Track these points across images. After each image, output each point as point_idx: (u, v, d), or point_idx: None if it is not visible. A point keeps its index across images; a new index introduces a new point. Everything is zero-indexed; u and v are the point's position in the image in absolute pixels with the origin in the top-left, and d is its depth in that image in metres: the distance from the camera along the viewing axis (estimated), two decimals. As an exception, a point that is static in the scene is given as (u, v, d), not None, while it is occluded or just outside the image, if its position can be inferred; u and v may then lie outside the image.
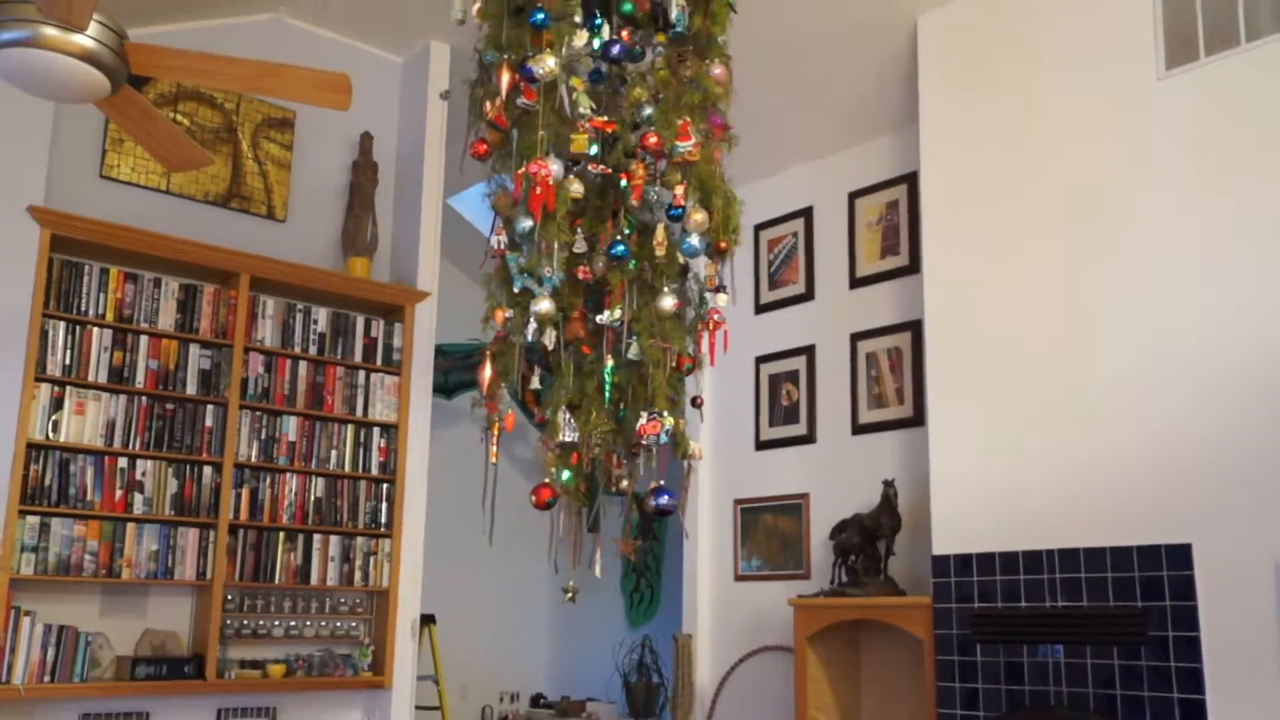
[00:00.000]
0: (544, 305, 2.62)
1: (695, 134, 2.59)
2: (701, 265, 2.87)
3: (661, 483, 2.76)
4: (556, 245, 2.54)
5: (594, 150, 2.63)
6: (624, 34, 2.71)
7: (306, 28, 5.53)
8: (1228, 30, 3.93)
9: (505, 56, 2.53)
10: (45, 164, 4.55)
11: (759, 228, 5.96)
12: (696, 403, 3.13)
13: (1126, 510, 3.95)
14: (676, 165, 2.63)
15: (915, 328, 5.14)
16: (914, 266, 5.20)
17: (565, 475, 2.87)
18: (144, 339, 4.70)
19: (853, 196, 5.59)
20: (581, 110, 2.62)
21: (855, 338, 5.47)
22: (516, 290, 2.64)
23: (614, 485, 2.94)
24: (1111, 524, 3.98)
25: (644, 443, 2.75)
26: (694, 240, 2.63)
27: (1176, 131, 4.02)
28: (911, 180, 5.25)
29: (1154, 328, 3.98)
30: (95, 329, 4.59)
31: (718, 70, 2.69)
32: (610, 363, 2.77)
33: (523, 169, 2.48)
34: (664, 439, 2.74)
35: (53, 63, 2.45)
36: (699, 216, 2.62)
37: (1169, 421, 3.89)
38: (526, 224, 2.52)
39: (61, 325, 4.51)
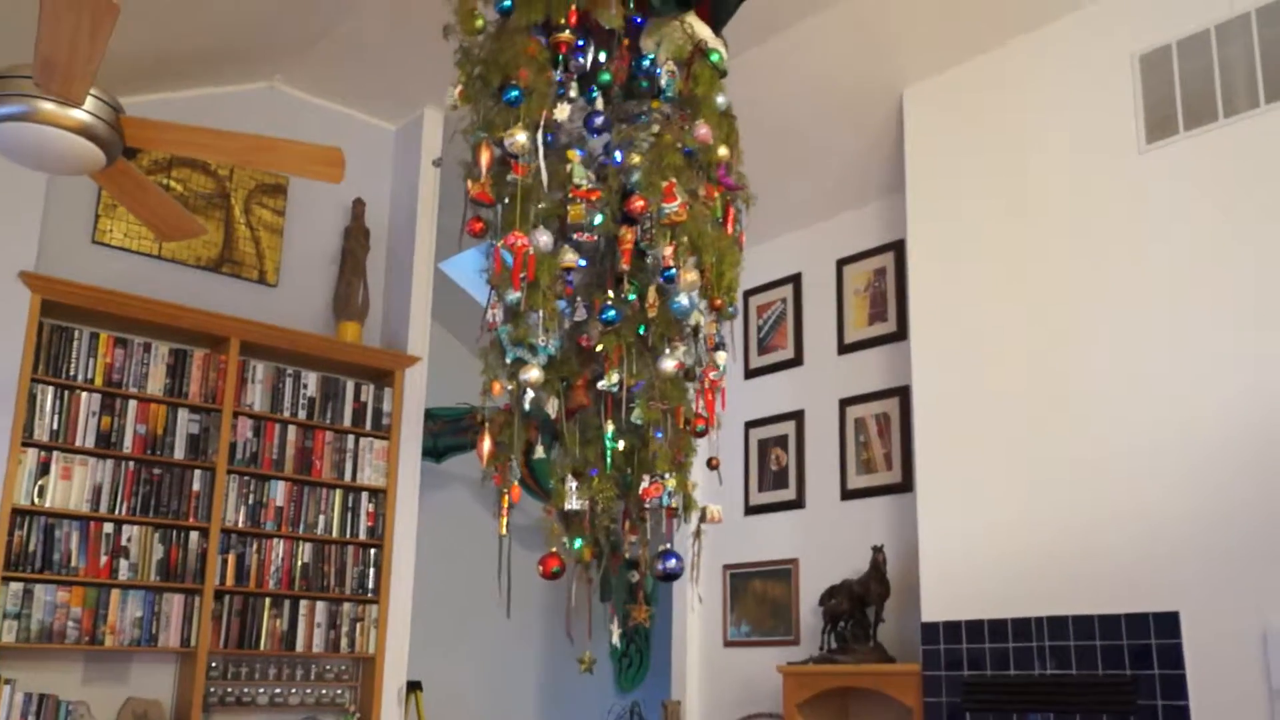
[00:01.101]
0: (533, 374, 2.62)
1: (681, 194, 2.61)
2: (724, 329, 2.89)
3: (669, 546, 2.75)
4: (542, 314, 2.55)
5: (599, 219, 2.65)
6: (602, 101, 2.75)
7: (301, 96, 5.60)
8: (1206, 106, 4.01)
9: (485, 136, 2.56)
10: (37, 229, 4.58)
11: (748, 293, 6.01)
12: (712, 464, 3.11)
13: (1115, 578, 3.95)
14: (664, 227, 2.64)
15: (904, 393, 5.16)
16: (902, 333, 5.23)
17: (577, 543, 2.85)
18: (132, 403, 4.70)
19: (841, 263, 5.64)
20: (576, 180, 2.65)
21: (844, 403, 5.49)
22: (509, 361, 2.65)
23: (625, 551, 2.91)
24: (1100, 591, 3.98)
25: (647, 506, 2.74)
26: (682, 300, 2.63)
27: (1160, 204, 4.09)
28: (899, 248, 5.31)
29: (1143, 396, 4.01)
30: (84, 393, 4.59)
31: (703, 130, 2.71)
32: (610, 429, 2.76)
33: (501, 242, 2.50)
34: (667, 501, 2.73)
35: (49, 137, 2.48)
36: (690, 276, 2.63)
37: (1158, 490, 3.90)
38: (513, 296, 2.54)
39: (50, 390, 4.51)
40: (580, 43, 2.71)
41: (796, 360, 5.79)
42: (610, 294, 2.78)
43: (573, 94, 2.69)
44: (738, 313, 3.03)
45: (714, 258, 2.69)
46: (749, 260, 3.04)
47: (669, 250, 2.62)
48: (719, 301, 2.73)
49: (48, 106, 2.45)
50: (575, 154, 2.69)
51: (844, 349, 5.56)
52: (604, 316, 2.73)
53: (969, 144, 4.75)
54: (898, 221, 5.26)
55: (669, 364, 2.70)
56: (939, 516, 4.56)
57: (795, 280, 5.86)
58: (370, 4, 4.69)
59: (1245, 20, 3.95)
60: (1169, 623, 3.74)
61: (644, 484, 2.71)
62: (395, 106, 5.73)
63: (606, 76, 2.75)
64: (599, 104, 2.76)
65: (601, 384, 2.73)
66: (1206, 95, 4.00)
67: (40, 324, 4.49)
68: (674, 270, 2.64)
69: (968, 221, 4.69)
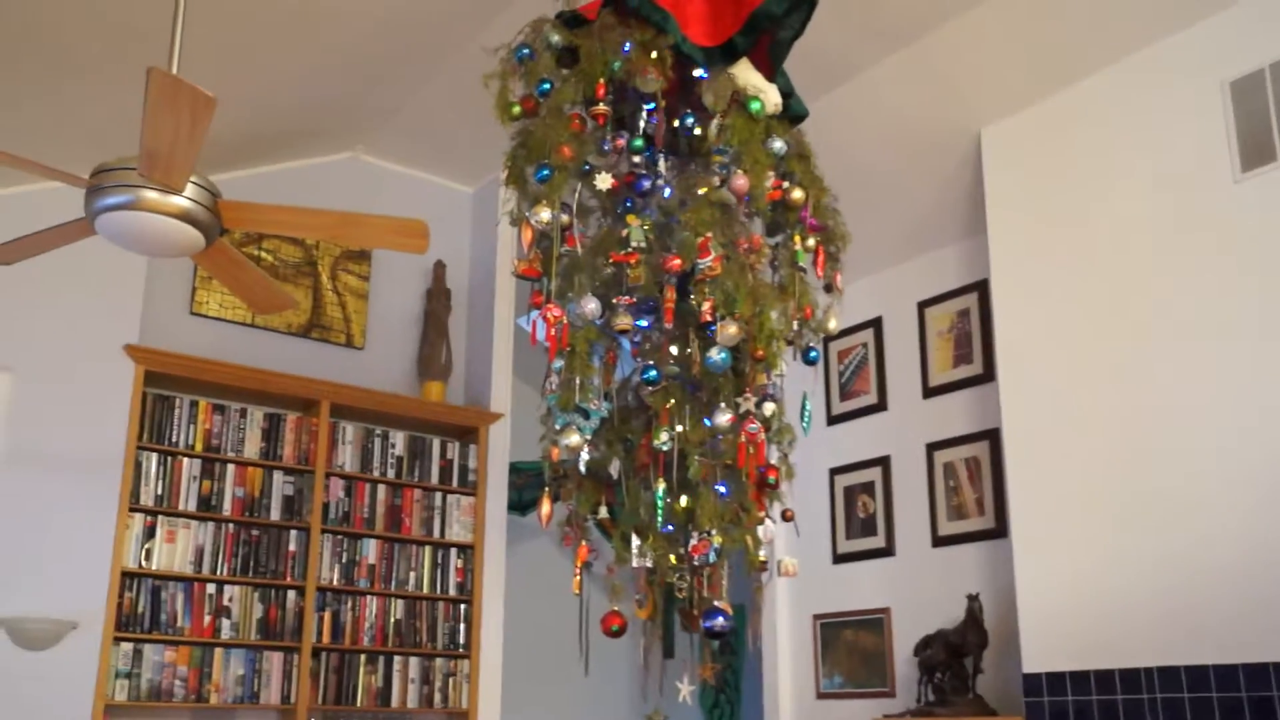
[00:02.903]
0: (573, 439, 2.66)
1: (716, 248, 2.62)
2: (808, 374, 2.87)
3: (717, 603, 2.73)
4: (579, 381, 2.59)
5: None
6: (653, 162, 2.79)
7: (382, 164, 5.77)
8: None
9: (525, 216, 2.65)
10: (140, 304, 4.78)
11: (827, 339, 5.97)
12: (787, 516, 3.08)
13: (1230, 625, 3.78)
14: (700, 282, 2.65)
15: (993, 436, 5.08)
16: (988, 375, 5.16)
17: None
18: (230, 467, 4.85)
19: (922, 306, 5.59)
20: (634, 243, 2.68)
21: (931, 447, 5.41)
22: (559, 427, 2.68)
23: (695, 608, 2.90)
24: (1214, 640, 3.81)
25: (695, 563, 2.74)
26: (714, 355, 2.63)
27: (1256, 234, 3.95)
28: (982, 288, 5.25)
29: (1245, 431, 3.86)
30: (185, 459, 4.75)
31: (739, 182, 2.71)
32: (662, 486, 2.77)
33: (537, 313, 2.58)
34: (713, 558, 2.71)
35: (153, 223, 2.60)
36: (731, 330, 2.63)
37: (1271, 530, 3.75)
38: (556, 364, 2.60)
39: (154, 456, 4.68)
40: (650, 105, 2.75)
41: (880, 405, 5.74)
42: (674, 350, 2.79)
43: (629, 159, 2.74)
44: (819, 357, 3.02)
45: (750, 309, 2.68)
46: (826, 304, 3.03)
47: (706, 305, 2.63)
48: (760, 352, 2.71)
49: (151, 195, 2.57)
50: (634, 218, 2.72)
51: (929, 392, 5.50)
52: (644, 376, 2.75)
53: (1051, 181, 4.68)
54: (979, 262, 5.21)
55: (723, 419, 2.69)
56: (1036, 562, 4.46)
57: (876, 324, 5.82)
58: (443, 77, 4.86)
59: (1336, 44, 3.85)
60: (1286, 673, 3.60)
61: (693, 540, 2.70)
62: (471, 170, 5.87)
63: (639, 143, 2.78)
64: (644, 162, 2.80)
65: (656, 442, 2.74)
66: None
67: (144, 394, 4.66)
68: (713, 324, 2.65)
69: (1053, 259, 4.62)
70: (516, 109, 2.76)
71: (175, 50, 2.84)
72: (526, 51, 2.77)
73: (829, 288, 3.05)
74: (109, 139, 3.51)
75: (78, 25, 3.71)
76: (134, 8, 3.58)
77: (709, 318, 2.61)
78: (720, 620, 2.68)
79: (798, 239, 2.96)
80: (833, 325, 3.01)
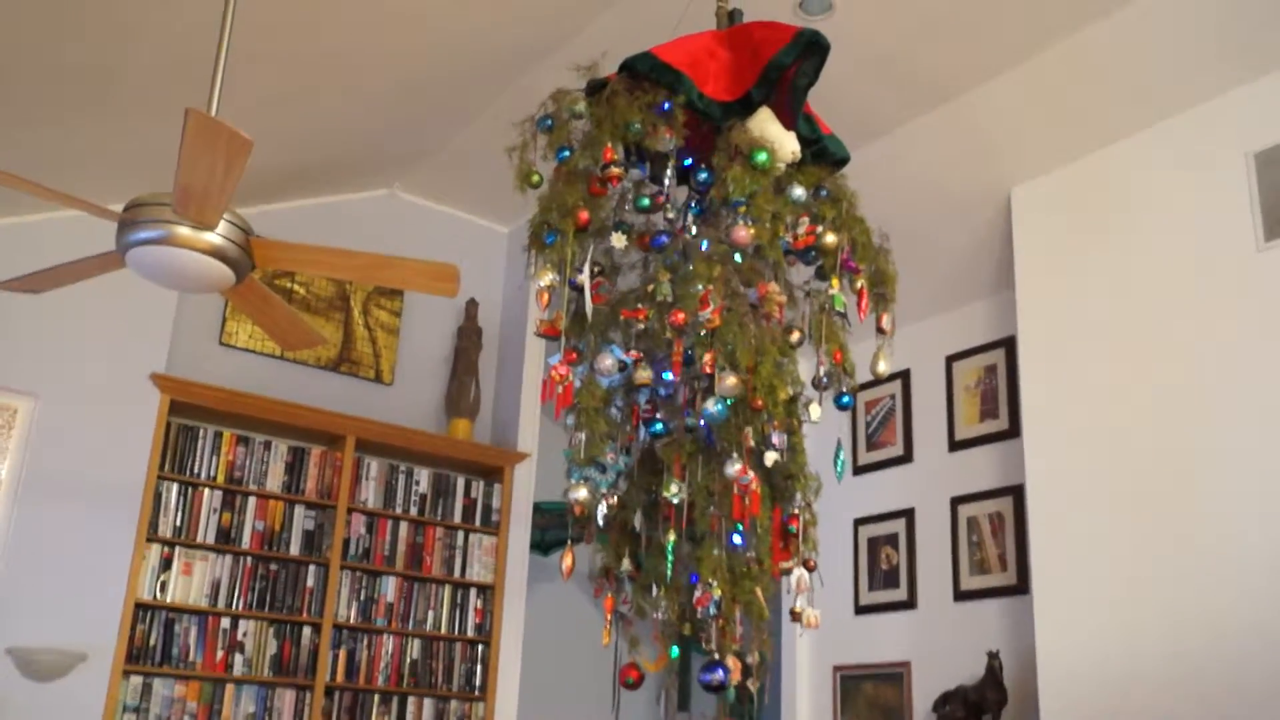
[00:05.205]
0: (581, 494, 2.67)
1: (715, 300, 2.63)
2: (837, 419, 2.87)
3: (716, 656, 2.71)
4: (585, 436, 2.62)
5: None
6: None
7: (418, 201, 5.81)
8: (1329, 202, 3.89)
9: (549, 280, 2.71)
10: (169, 333, 4.80)
11: (864, 386, 5.94)
12: (809, 565, 3.05)
13: (1256, 689, 3.72)
14: (701, 334, 2.66)
15: (1017, 492, 5.03)
16: (1014, 430, 5.12)
17: (674, 651, 2.85)
18: (252, 500, 4.85)
19: (950, 360, 5.57)
20: (660, 297, 2.70)
21: (955, 501, 5.37)
22: (573, 482, 2.69)
23: (717, 655, 2.87)
24: (1239, 705, 3.75)
25: (698, 615, 2.72)
26: (711, 406, 2.62)
27: (1277, 302, 3.96)
28: (1009, 344, 5.22)
29: (1270, 489, 3.84)
30: (206, 490, 4.75)
31: (741, 233, 2.71)
32: (672, 539, 2.76)
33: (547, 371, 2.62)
34: (714, 610, 2.69)
35: (184, 259, 2.62)
36: (730, 382, 2.63)
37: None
38: (569, 419, 2.62)
39: (175, 487, 4.68)
40: (688, 162, 2.78)
41: (906, 457, 5.70)
42: (694, 403, 2.80)
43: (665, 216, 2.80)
44: (853, 403, 3.00)
45: (749, 359, 2.67)
46: (855, 357, 3.02)
47: (707, 356, 2.63)
48: (759, 402, 2.70)
49: (183, 231, 2.59)
50: (665, 273, 2.75)
51: (955, 446, 5.46)
52: (651, 429, 2.76)
53: (1079, 242, 4.68)
54: (1007, 318, 5.19)
55: (733, 470, 2.68)
56: (1057, 621, 4.40)
57: (904, 376, 5.80)
58: (479, 118, 4.90)
59: (1367, 115, 3.84)
60: (1313, 744, 3.52)
61: (697, 593, 2.69)
62: (506, 210, 5.90)
63: (645, 202, 2.82)
64: (677, 218, 2.84)
65: (666, 494, 2.73)
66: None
67: (168, 423, 4.68)
68: (712, 376, 2.65)
69: (1080, 319, 4.61)
70: (536, 178, 2.84)
71: (216, 89, 2.87)
72: (549, 123, 2.82)
73: (880, 330, 3.05)
74: (144, 171, 3.56)
75: (117, 58, 3.76)
76: (176, 43, 3.64)
77: (709, 369, 2.62)
78: (719, 674, 2.66)
79: (835, 282, 2.96)
80: (883, 368, 2.99)
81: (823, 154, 3.01)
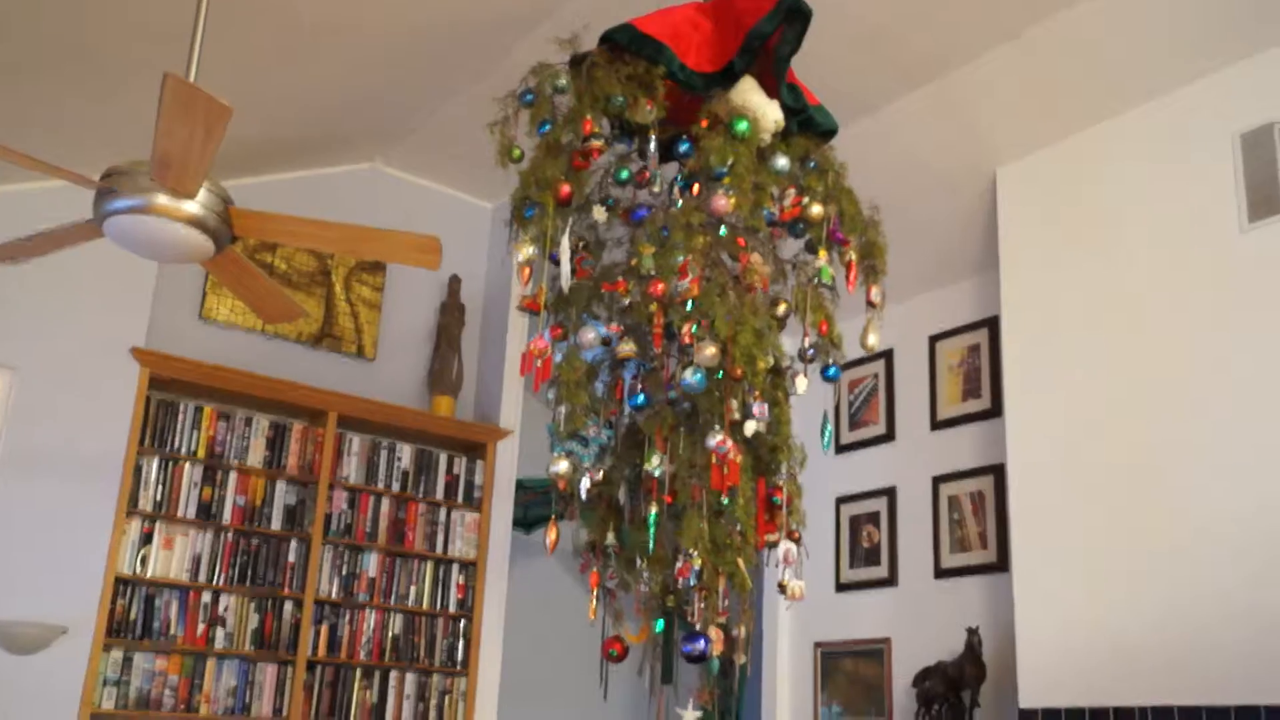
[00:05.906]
0: (561, 466, 2.68)
1: (694, 270, 2.62)
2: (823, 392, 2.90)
3: (697, 628, 2.72)
4: (564, 410, 2.63)
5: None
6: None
7: (400, 176, 5.77)
8: (1311, 182, 3.90)
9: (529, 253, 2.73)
10: (148, 307, 4.76)
11: (853, 362, 5.95)
12: (793, 537, 3.04)
13: (1224, 666, 3.77)
14: (679, 305, 2.65)
15: (998, 471, 5.05)
16: (996, 410, 5.13)
17: (658, 624, 2.85)
18: (233, 475, 4.83)
19: (933, 340, 5.58)
20: (644, 271, 2.69)
21: (937, 480, 5.39)
22: (556, 455, 2.70)
23: (700, 626, 2.87)
24: (1208, 680, 3.80)
25: (679, 586, 2.73)
26: (689, 376, 2.61)
27: (1261, 283, 3.98)
28: (993, 324, 5.23)
29: (1248, 474, 3.87)
30: (187, 465, 4.73)
31: (720, 203, 2.70)
32: (654, 511, 2.77)
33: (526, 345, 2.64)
34: (694, 581, 2.70)
35: (162, 228, 2.59)
36: (709, 351, 2.62)
37: (1268, 571, 3.73)
38: (549, 393, 2.63)
39: (155, 461, 4.66)
40: (684, 144, 2.79)
41: (888, 436, 5.72)
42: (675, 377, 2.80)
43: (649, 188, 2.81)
44: (839, 374, 2.99)
45: (727, 329, 2.66)
46: (844, 331, 3.02)
47: (685, 327, 2.62)
48: (739, 372, 2.69)
49: (162, 200, 2.56)
50: (647, 246, 2.74)
51: (937, 425, 5.47)
52: (633, 402, 2.76)
53: (1063, 222, 4.69)
54: (991, 298, 5.19)
55: (714, 441, 2.67)
56: (1036, 598, 4.43)
57: (887, 355, 5.80)
58: (464, 91, 4.86)
59: (1352, 95, 3.85)
60: (1284, 719, 3.56)
61: (678, 563, 2.70)
62: (490, 185, 5.86)
63: (625, 174, 2.82)
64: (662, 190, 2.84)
65: (648, 467, 2.74)
66: (1312, 171, 3.91)
67: (148, 398, 4.65)
68: (691, 346, 2.65)
69: (1063, 299, 4.62)
70: (517, 153, 2.85)
71: (195, 55, 2.84)
72: (530, 97, 2.81)
73: (870, 303, 3.04)
74: (122, 140, 3.52)
75: (95, 24, 3.71)
76: (154, 8, 3.59)
77: (688, 339, 2.62)
78: (701, 644, 2.66)
79: (823, 254, 2.95)
80: (873, 341, 2.99)
81: (810, 125, 2.99)
